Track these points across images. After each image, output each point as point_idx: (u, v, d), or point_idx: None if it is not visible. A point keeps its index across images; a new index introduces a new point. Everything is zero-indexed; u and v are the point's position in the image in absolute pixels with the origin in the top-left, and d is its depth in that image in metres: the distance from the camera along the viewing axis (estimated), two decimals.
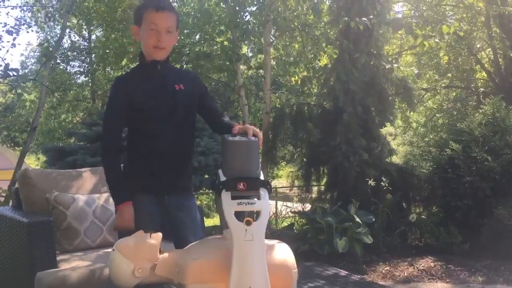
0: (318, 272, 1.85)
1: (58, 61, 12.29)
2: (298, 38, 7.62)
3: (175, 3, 9.09)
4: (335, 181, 5.40)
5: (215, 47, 7.76)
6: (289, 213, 7.09)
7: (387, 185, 4.84)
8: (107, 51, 9.54)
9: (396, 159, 6.25)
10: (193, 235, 1.95)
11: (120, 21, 9.64)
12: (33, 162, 19.40)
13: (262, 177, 1.48)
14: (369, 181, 4.78)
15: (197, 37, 7.88)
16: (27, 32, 32.76)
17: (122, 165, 2.01)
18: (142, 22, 1.89)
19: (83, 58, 14.85)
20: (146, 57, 1.95)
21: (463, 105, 11.00)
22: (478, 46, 10.41)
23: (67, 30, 13.16)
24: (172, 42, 1.94)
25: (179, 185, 2.01)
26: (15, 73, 6.12)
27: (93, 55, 13.59)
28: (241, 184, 1.43)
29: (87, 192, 3.11)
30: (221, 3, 7.41)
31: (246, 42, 7.25)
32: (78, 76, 16.12)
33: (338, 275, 1.79)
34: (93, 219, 2.91)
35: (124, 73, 2.28)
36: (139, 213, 1.91)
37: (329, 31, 6.67)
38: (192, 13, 7.78)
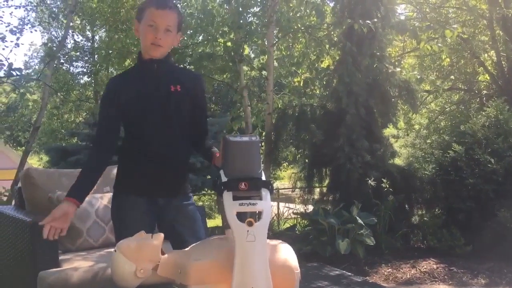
0: (320, 273, 1.85)
1: (62, 61, 12.27)
2: (301, 39, 7.61)
3: (178, 4, 9.10)
4: (337, 183, 5.40)
5: (218, 48, 7.77)
6: (291, 214, 7.08)
7: (388, 186, 4.84)
8: (110, 51, 9.56)
9: (398, 161, 6.24)
10: (192, 236, 1.91)
11: (123, 21, 9.65)
12: (35, 162, 19.42)
13: (263, 178, 1.48)
14: (369, 181, 4.77)
15: (200, 38, 7.89)
16: (31, 32, 32.87)
17: (112, 165, 2.01)
18: (142, 18, 1.87)
19: (86, 58, 14.85)
20: (143, 55, 1.91)
21: (466, 107, 10.96)
22: (481, 49, 10.37)
23: (71, 31, 13.18)
24: (170, 42, 1.89)
25: (173, 187, 1.96)
26: (18, 73, 6.13)
27: (96, 56, 13.60)
28: (243, 184, 1.42)
29: None
30: (224, 4, 7.42)
31: (248, 43, 7.25)
32: (81, 76, 16.13)
33: (341, 276, 1.79)
34: (95, 219, 2.92)
35: (120, 72, 2.25)
36: (132, 212, 1.90)
37: (332, 32, 6.66)
38: (195, 14, 7.78)
